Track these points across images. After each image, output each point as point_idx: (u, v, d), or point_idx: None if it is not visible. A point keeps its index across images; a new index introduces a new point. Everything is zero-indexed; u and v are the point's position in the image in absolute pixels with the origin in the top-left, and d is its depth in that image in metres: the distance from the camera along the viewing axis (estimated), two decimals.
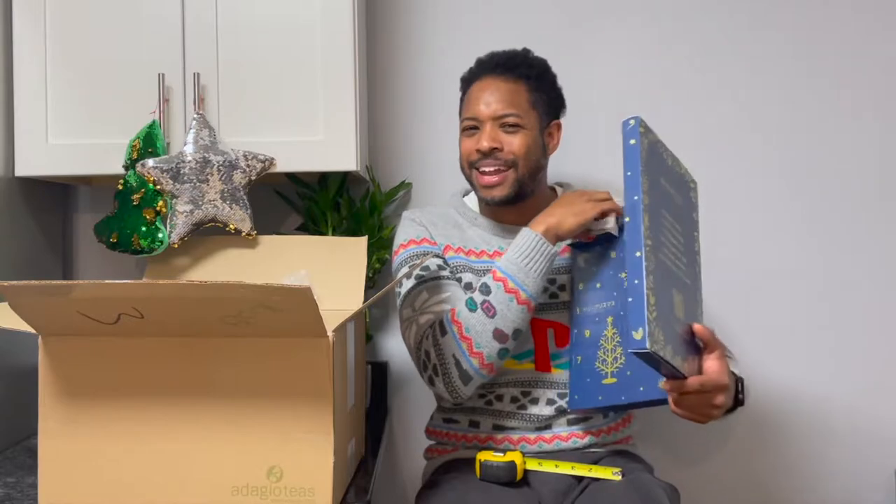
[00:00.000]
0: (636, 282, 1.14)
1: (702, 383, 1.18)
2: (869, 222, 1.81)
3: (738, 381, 1.28)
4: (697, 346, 1.22)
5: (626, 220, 1.20)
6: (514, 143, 1.39)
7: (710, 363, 1.20)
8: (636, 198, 1.19)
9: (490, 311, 1.31)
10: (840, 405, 1.81)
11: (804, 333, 1.81)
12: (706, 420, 1.23)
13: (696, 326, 1.21)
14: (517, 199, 1.42)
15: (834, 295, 1.81)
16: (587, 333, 1.38)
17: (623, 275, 1.29)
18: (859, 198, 1.81)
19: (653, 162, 1.25)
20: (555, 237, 1.33)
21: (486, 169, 1.40)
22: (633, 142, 1.23)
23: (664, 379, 1.20)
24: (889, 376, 1.81)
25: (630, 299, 1.14)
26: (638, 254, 1.16)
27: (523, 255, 1.32)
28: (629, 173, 1.22)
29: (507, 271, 1.32)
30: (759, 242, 1.82)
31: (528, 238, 1.32)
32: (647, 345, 1.09)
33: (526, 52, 1.48)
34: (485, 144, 1.39)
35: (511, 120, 1.40)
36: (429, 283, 1.41)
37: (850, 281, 1.81)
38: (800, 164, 1.82)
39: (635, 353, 1.12)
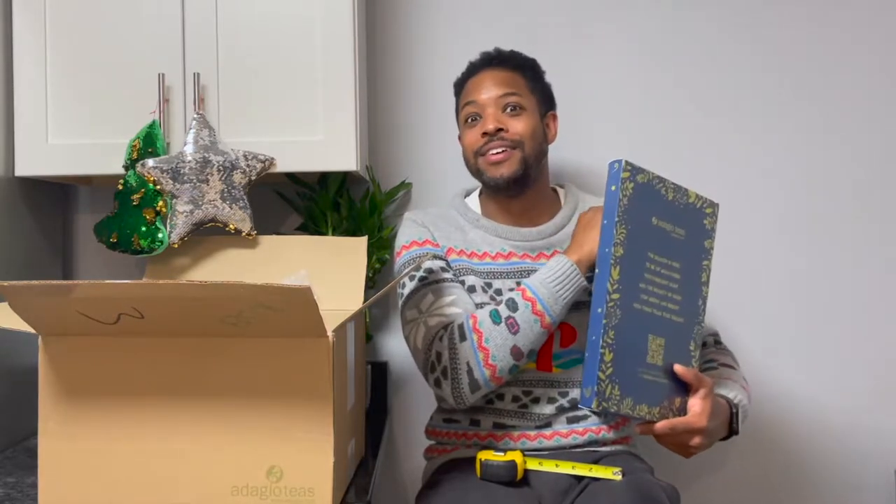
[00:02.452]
0: (593, 338, 1.17)
1: (672, 427, 1.20)
2: (871, 226, 1.81)
3: (734, 409, 1.30)
4: (684, 384, 1.23)
5: (596, 271, 1.20)
6: (519, 125, 1.40)
7: (694, 403, 1.23)
8: (607, 250, 1.20)
9: (514, 327, 1.31)
10: (840, 405, 1.81)
11: (804, 335, 1.81)
12: (688, 456, 1.26)
13: (678, 368, 1.23)
14: (524, 180, 1.42)
15: (834, 297, 1.81)
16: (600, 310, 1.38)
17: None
18: (860, 202, 1.81)
19: (640, 204, 1.23)
20: (588, 266, 1.32)
21: (493, 151, 1.41)
22: (613, 188, 1.21)
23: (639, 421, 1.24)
24: (889, 377, 1.81)
25: (587, 354, 1.18)
26: (599, 310, 1.18)
27: (556, 281, 1.31)
28: (605, 222, 1.22)
29: (538, 293, 1.31)
30: (762, 246, 1.82)
31: (563, 265, 1.32)
32: (593, 405, 1.16)
33: (514, 51, 1.50)
34: (490, 126, 1.39)
35: (513, 100, 1.41)
36: (433, 284, 1.41)
37: (850, 283, 1.81)
38: (801, 168, 1.82)
39: (589, 410, 1.16)
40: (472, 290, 1.42)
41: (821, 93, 1.82)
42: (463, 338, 1.33)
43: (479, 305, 1.40)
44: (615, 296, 1.18)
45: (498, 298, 1.41)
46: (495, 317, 1.32)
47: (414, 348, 1.40)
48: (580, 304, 1.42)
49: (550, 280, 1.32)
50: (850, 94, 1.81)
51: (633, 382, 1.19)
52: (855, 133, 1.81)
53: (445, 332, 1.35)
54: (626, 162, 1.21)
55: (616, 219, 1.20)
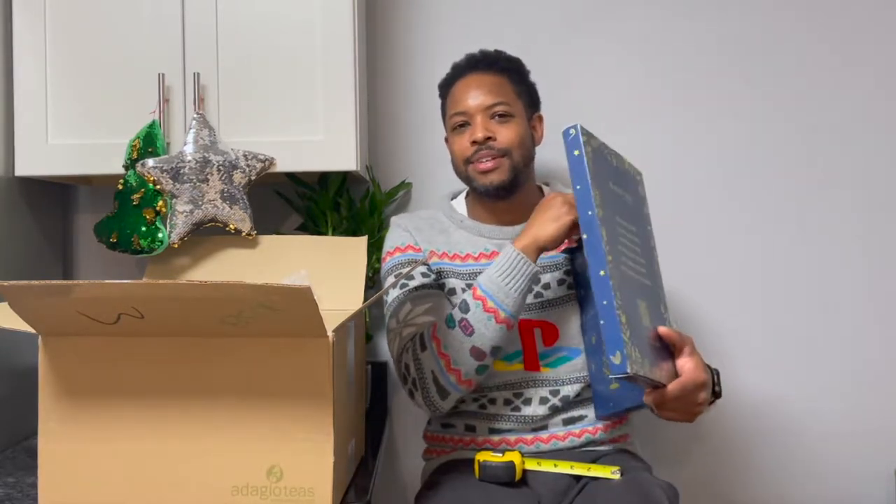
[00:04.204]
0: (605, 303, 1.12)
1: (682, 386, 1.18)
2: (867, 224, 1.82)
3: (714, 374, 1.29)
4: (668, 347, 1.22)
5: (584, 236, 1.17)
6: (507, 133, 1.41)
7: (684, 362, 1.21)
8: (590, 213, 1.16)
9: (467, 329, 1.31)
10: (840, 405, 1.81)
11: (804, 333, 1.82)
12: (693, 419, 1.24)
13: (662, 330, 1.21)
14: (513, 186, 1.42)
15: (834, 294, 1.82)
16: (593, 339, 1.38)
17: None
18: (855, 202, 1.82)
19: (600, 169, 1.22)
20: (536, 250, 1.32)
21: (483, 160, 1.41)
22: (577, 153, 1.19)
23: (646, 391, 1.20)
24: (889, 376, 1.81)
25: (602, 322, 1.12)
26: (602, 273, 1.13)
27: (504, 274, 1.31)
28: (578, 187, 1.18)
29: (486, 290, 1.31)
30: (760, 246, 1.82)
31: (509, 256, 1.32)
32: (628, 369, 1.09)
33: (499, 51, 1.51)
34: (479, 135, 1.40)
35: (501, 109, 1.41)
36: (412, 294, 1.41)
37: (849, 280, 1.82)
38: (793, 164, 1.82)
39: (617, 377, 1.11)
40: (452, 292, 1.43)
41: (816, 94, 1.82)
42: (423, 347, 1.34)
43: None
44: (610, 257, 1.14)
45: None
46: (450, 321, 1.33)
47: (392, 360, 1.42)
48: (558, 301, 1.43)
49: (498, 274, 1.31)
50: (844, 95, 1.82)
51: (643, 344, 1.14)
52: (844, 132, 1.82)
53: (411, 343, 1.36)
54: (582, 127, 1.20)
55: (590, 181, 1.17)
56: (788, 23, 1.82)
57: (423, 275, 1.44)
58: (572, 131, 1.21)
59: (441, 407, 1.36)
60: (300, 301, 0.93)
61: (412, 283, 1.43)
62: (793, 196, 1.82)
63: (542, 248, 1.32)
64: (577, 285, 1.43)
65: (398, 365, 1.38)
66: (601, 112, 1.81)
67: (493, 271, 1.32)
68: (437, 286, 1.44)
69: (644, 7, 1.82)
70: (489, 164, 1.41)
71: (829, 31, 1.82)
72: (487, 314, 1.30)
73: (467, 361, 1.31)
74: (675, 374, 1.21)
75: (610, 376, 1.13)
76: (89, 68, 1.48)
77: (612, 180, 1.25)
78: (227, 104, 1.48)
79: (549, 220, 1.32)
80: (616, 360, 1.10)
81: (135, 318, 0.98)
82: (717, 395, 1.29)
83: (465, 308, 1.32)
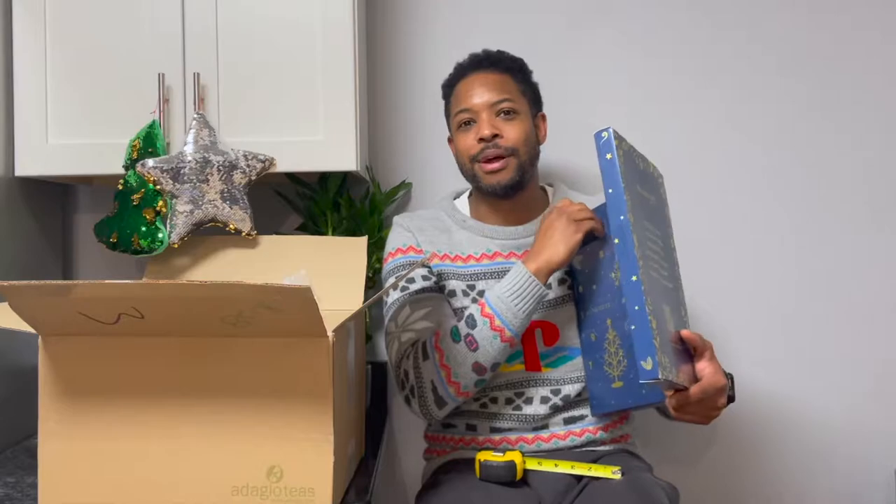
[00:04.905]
0: (636, 308, 1.13)
1: (704, 390, 1.20)
2: (869, 224, 1.82)
3: (729, 378, 1.30)
4: (687, 350, 1.23)
5: (616, 241, 1.18)
6: (513, 132, 1.41)
7: (704, 366, 1.23)
8: (622, 218, 1.17)
9: (473, 344, 1.31)
10: (840, 405, 1.81)
11: (804, 333, 1.81)
12: (709, 422, 1.26)
13: (685, 333, 1.23)
14: (519, 185, 1.43)
15: (834, 295, 1.82)
16: (593, 337, 1.38)
17: (613, 275, 1.30)
18: (858, 201, 1.82)
19: (629, 172, 1.22)
20: (548, 273, 1.32)
21: (490, 159, 1.41)
22: (609, 156, 1.20)
23: (668, 393, 1.21)
24: (889, 377, 1.81)
25: (633, 327, 1.13)
26: (634, 278, 1.14)
27: (514, 294, 1.31)
28: (611, 191, 1.19)
29: (496, 308, 1.31)
30: (760, 245, 1.82)
31: (521, 276, 1.31)
32: (659, 374, 1.10)
33: (501, 51, 1.51)
34: (486, 132, 1.40)
35: (506, 106, 1.41)
36: (412, 297, 1.41)
37: (849, 281, 1.81)
38: (792, 164, 1.82)
39: (647, 383, 1.12)
40: (452, 294, 1.43)
41: (822, 93, 1.82)
42: (426, 356, 1.34)
43: (459, 310, 1.41)
44: (641, 262, 1.16)
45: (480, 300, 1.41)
46: (455, 334, 1.33)
47: (390, 364, 1.42)
48: (558, 301, 1.43)
49: (508, 294, 1.31)
50: (853, 93, 1.82)
51: (669, 349, 1.16)
52: (855, 133, 1.81)
53: (412, 350, 1.36)
54: (614, 130, 1.21)
55: (623, 185, 1.18)
56: (797, 13, 1.82)
57: (424, 278, 1.44)
58: (604, 134, 1.21)
59: (436, 415, 1.36)
60: (300, 301, 0.93)
61: (413, 287, 1.42)
62: (795, 197, 1.82)
63: (554, 270, 1.32)
64: (574, 283, 1.43)
65: (397, 370, 1.38)
66: (603, 112, 1.81)
67: (504, 290, 1.32)
68: (437, 289, 1.44)
69: (645, 4, 1.82)
70: (496, 165, 1.41)
71: (846, 21, 1.82)
72: (494, 332, 1.31)
73: (468, 375, 1.32)
74: (694, 377, 1.23)
75: (640, 381, 1.13)
76: (89, 68, 1.48)
77: (640, 183, 1.26)
78: (227, 104, 1.48)
79: (559, 242, 1.31)
80: (647, 365, 1.11)
81: (135, 318, 0.98)
82: (730, 398, 1.30)
83: (471, 323, 1.32)
